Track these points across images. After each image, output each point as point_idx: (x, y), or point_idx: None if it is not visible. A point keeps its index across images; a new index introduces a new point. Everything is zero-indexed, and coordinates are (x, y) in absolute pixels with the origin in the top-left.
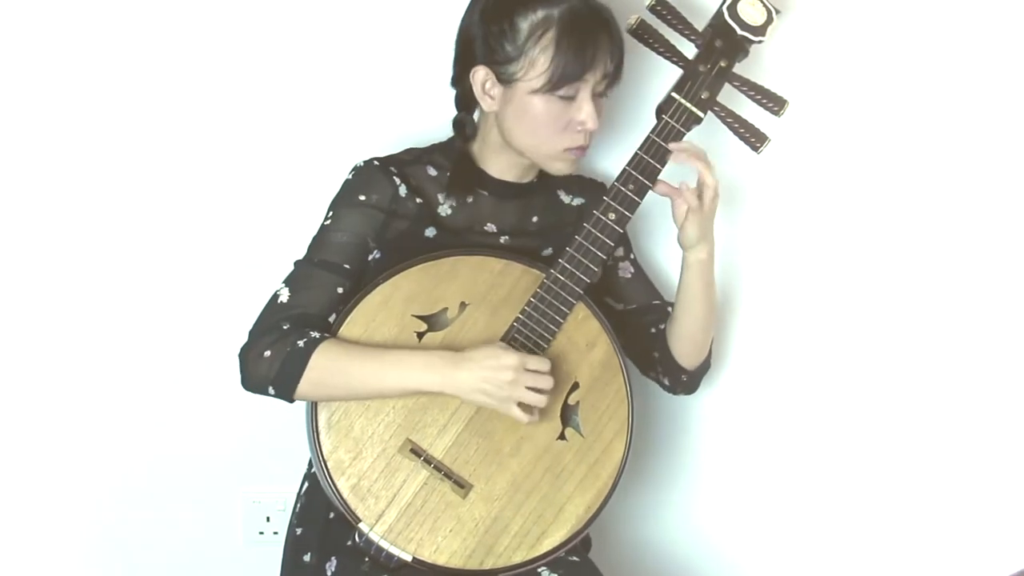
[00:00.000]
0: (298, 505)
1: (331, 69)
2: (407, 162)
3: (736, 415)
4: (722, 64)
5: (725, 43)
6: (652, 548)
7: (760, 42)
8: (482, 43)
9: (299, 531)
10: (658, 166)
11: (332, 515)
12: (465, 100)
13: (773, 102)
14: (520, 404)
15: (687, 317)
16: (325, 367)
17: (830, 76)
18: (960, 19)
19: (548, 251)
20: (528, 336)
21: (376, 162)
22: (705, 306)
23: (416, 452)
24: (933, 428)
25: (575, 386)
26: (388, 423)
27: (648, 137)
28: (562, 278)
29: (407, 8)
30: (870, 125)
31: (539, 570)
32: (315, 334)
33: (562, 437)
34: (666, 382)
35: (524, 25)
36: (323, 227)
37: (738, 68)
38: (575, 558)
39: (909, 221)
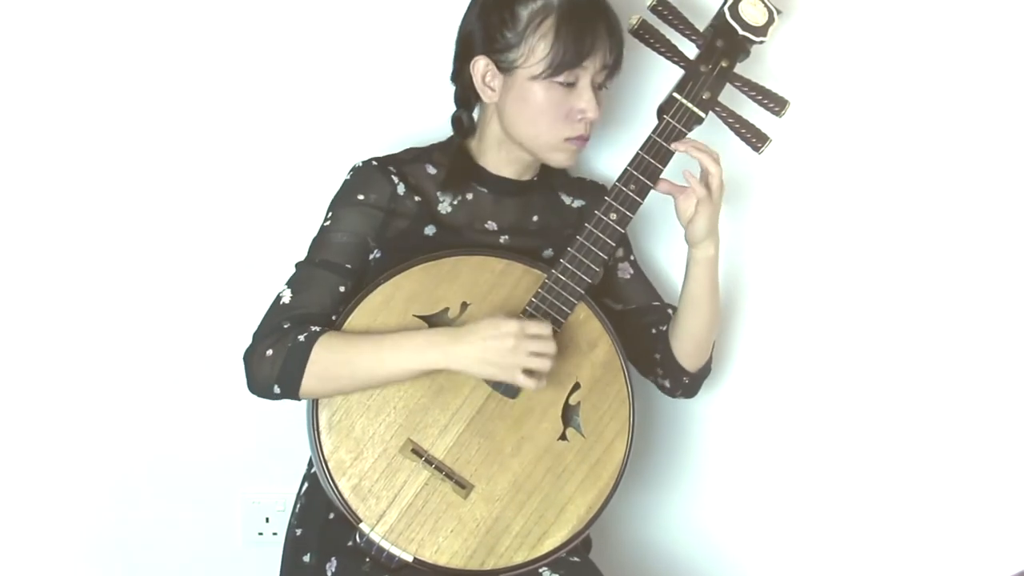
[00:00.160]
0: (298, 506)
1: (331, 69)
2: (406, 161)
3: (738, 416)
4: (723, 64)
5: (726, 43)
6: (653, 549)
7: (761, 42)
8: (482, 33)
9: (299, 532)
10: (660, 166)
11: (332, 516)
12: (464, 96)
13: (774, 102)
14: (526, 371)
15: (692, 316)
16: (328, 358)
17: (831, 77)
18: (961, 19)
19: (548, 252)
20: None
21: (374, 162)
22: (711, 305)
23: (417, 452)
24: (935, 431)
25: (576, 386)
26: (389, 423)
27: (650, 137)
28: (563, 278)
29: (406, 8)
30: (871, 126)
31: (540, 570)
32: (315, 328)
33: (563, 437)
34: (667, 384)
35: (524, 13)
36: (323, 228)
37: (739, 68)
38: (576, 559)
39: (911, 223)
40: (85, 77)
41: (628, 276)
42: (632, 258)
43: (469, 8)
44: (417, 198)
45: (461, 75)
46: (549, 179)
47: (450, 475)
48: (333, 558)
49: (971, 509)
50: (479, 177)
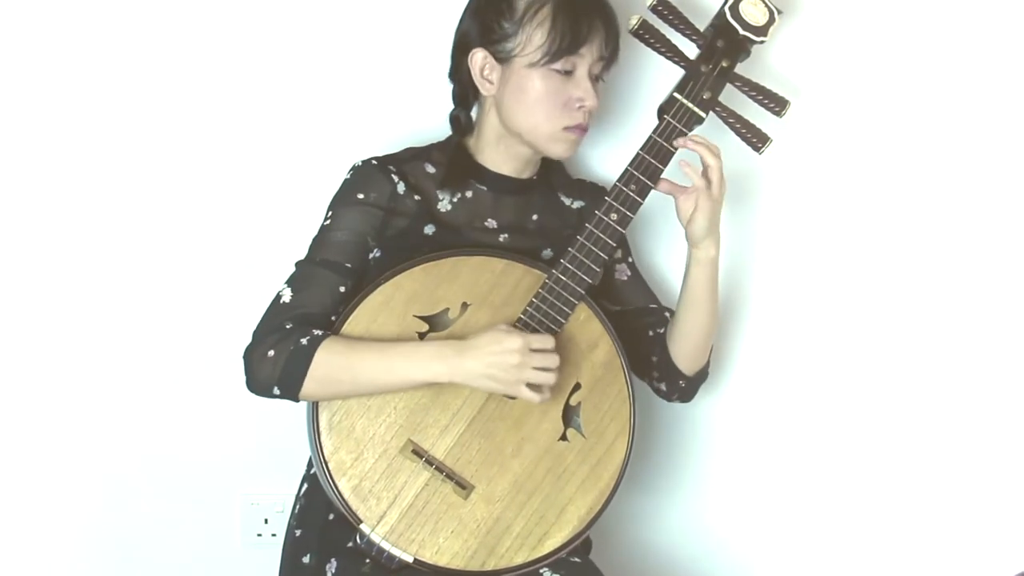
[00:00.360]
0: (297, 506)
1: (329, 69)
2: (405, 160)
3: (739, 418)
4: (724, 64)
5: (727, 43)
6: (653, 550)
7: (762, 42)
8: (479, 25)
9: (298, 532)
10: (660, 166)
11: (332, 516)
12: (463, 93)
13: (775, 102)
14: (529, 384)
15: (691, 318)
16: (330, 363)
17: (832, 77)
18: (962, 19)
19: (548, 252)
20: None
21: (374, 161)
22: (710, 306)
23: (418, 453)
24: (936, 433)
25: (577, 387)
26: (390, 424)
27: (650, 137)
28: (564, 278)
29: (406, 8)
30: (872, 126)
31: (541, 571)
32: (318, 332)
33: (564, 438)
34: (663, 387)
35: (521, 2)
36: (323, 227)
37: (740, 68)
38: (576, 559)
39: (912, 224)
40: (85, 77)
41: (626, 278)
42: (630, 260)
43: (467, 5)
44: (417, 197)
45: (459, 71)
46: (549, 179)
47: (451, 476)
48: (333, 559)
49: (972, 510)
50: (478, 175)
